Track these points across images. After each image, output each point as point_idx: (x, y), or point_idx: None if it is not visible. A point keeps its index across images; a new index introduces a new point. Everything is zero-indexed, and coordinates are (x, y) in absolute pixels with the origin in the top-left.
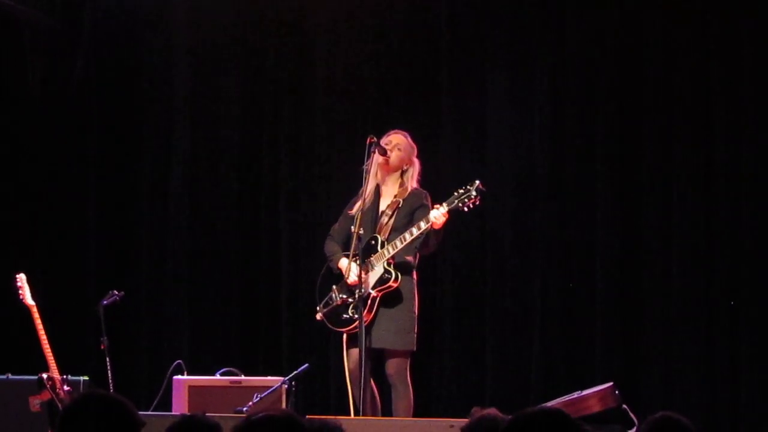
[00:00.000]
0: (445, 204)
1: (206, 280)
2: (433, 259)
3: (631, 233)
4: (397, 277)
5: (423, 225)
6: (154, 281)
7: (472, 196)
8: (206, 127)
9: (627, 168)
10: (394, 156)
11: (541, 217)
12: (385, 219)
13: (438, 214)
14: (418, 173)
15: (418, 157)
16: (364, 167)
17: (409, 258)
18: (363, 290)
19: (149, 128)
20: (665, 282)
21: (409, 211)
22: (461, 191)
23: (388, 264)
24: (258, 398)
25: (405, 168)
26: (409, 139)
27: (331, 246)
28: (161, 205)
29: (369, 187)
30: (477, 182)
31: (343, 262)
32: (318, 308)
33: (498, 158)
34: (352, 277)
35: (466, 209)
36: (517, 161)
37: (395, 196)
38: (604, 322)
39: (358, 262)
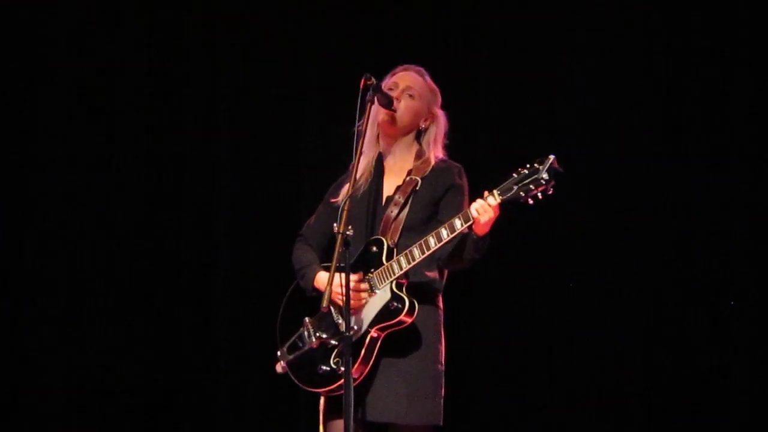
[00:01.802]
0: (496, 191)
1: (94, 310)
2: (469, 277)
3: None
4: (412, 307)
5: (459, 224)
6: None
7: (543, 182)
8: (93, 86)
9: None
10: (403, 107)
11: (645, 213)
12: (393, 211)
13: (484, 207)
14: (444, 134)
15: (443, 108)
16: (356, 128)
17: (432, 275)
18: (355, 327)
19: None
20: None
21: (433, 198)
22: (525, 172)
23: (399, 285)
24: None
25: (423, 126)
26: (428, 78)
27: (302, 254)
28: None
29: (364, 161)
30: (551, 158)
31: (321, 278)
32: (279, 353)
33: (576, 113)
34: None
35: (530, 201)
36: (609, 123)
37: (409, 173)
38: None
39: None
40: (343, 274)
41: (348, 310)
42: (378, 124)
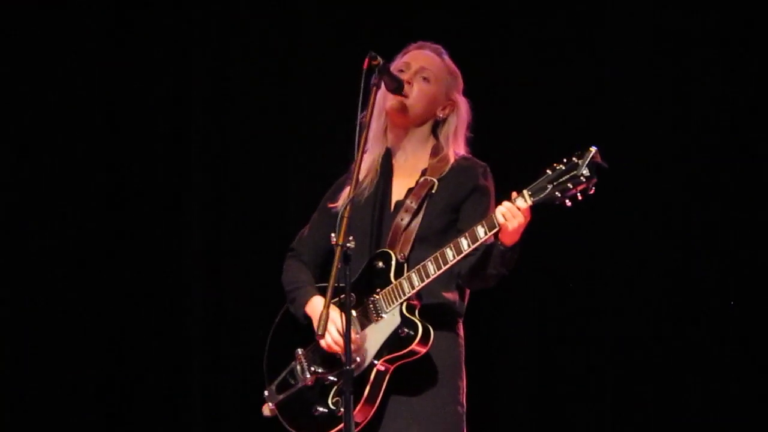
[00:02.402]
0: (527, 192)
1: (46, 343)
2: (496, 297)
3: None
4: (426, 335)
5: (482, 232)
6: None
7: (583, 179)
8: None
9: None
10: (416, 92)
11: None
12: (404, 218)
13: (513, 211)
14: (467, 126)
15: (465, 94)
16: (359, 120)
17: (450, 295)
18: (357, 359)
19: None
20: None
21: (452, 202)
22: (561, 168)
23: (410, 308)
24: None
25: (440, 116)
26: (447, 58)
27: (293, 273)
28: None
29: (369, 158)
30: (592, 151)
31: (315, 305)
32: (266, 393)
33: (624, 98)
34: (327, 339)
35: (568, 202)
36: (663, 106)
37: (424, 174)
38: None
39: (343, 302)
40: (340, 313)
41: (349, 338)
42: (386, 114)
